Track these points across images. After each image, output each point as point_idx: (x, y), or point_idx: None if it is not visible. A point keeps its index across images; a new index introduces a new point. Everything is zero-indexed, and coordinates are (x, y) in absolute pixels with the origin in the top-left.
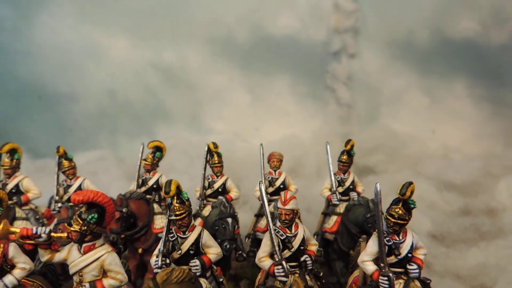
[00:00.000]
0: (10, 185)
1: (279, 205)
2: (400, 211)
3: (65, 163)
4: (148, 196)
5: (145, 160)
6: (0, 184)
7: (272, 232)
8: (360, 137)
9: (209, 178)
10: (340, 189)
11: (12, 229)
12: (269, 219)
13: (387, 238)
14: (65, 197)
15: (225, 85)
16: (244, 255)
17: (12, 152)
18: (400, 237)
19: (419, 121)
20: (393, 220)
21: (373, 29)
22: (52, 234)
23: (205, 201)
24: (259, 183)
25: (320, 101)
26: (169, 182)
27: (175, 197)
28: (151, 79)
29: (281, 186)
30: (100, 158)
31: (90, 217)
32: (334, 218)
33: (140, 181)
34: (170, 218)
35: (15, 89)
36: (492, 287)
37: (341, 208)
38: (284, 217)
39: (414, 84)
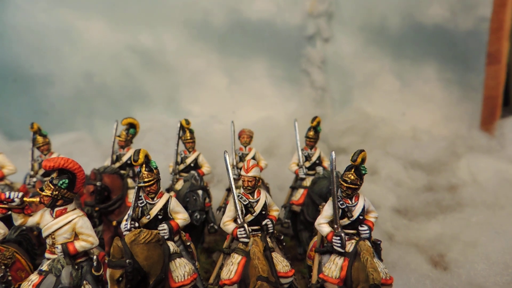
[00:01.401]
0: None
1: (242, 172)
2: (352, 177)
3: (40, 139)
4: (122, 172)
5: (119, 136)
6: None
7: (235, 197)
8: (334, 120)
9: (181, 154)
10: (307, 164)
11: None
12: (233, 185)
13: (341, 202)
14: (40, 172)
15: (202, 68)
16: (216, 227)
17: None
18: (353, 201)
19: (391, 104)
20: (346, 185)
21: (347, 14)
22: (25, 198)
23: (177, 176)
24: (224, 153)
25: (295, 84)
26: (137, 151)
27: (144, 165)
28: (128, 62)
29: None
30: (76, 140)
31: (61, 182)
32: (300, 191)
33: (115, 157)
34: (139, 185)
35: None
36: (447, 254)
37: (307, 182)
38: (247, 184)
39: (386, 68)
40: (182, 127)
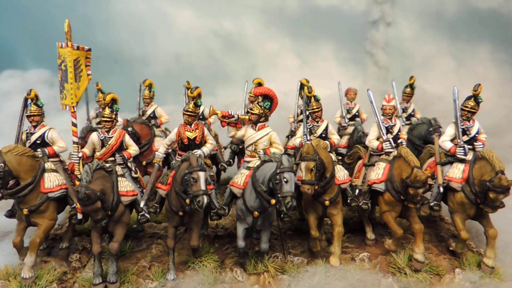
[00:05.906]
0: (149, 111)
1: (384, 102)
2: (472, 103)
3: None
4: None
5: (250, 93)
6: (141, 111)
7: (380, 122)
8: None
9: (300, 107)
10: (404, 115)
11: (216, 111)
12: (377, 112)
13: (461, 124)
14: None
15: (277, 50)
16: None
17: (150, 86)
18: (470, 123)
19: (447, 83)
20: (467, 109)
21: (407, 0)
22: (240, 116)
23: (297, 124)
24: (368, 90)
25: (360, 65)
26: (310, 87)
27: (312, 97)
28: (212, 45)
29: (356, 114)
30: (168, 113)
31: (266, 104)
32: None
33: (246, 110)
34: (309, 111)
35: (95, 54)
36: None
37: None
38: (388, 111)
39: (443, 49)
40: (301, 85)
